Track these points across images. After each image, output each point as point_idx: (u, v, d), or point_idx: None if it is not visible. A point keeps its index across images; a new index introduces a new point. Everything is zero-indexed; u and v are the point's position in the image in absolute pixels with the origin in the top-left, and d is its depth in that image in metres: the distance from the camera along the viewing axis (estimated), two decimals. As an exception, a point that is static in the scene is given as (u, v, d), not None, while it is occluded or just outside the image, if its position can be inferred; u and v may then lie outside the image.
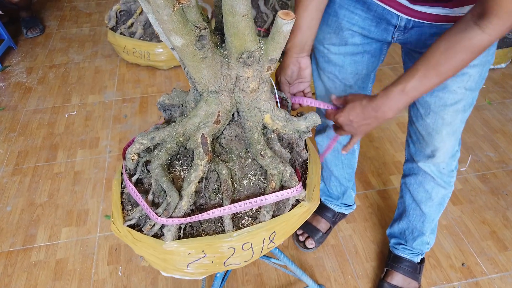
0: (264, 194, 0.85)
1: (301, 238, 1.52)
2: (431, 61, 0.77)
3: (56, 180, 1.78)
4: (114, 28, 2.41)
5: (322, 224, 1.53)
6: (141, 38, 2.33)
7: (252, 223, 0.84)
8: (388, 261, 1.40)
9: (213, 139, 0.84)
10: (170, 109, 0.94)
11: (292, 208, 0.87)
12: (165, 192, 0.80)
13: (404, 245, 1.37)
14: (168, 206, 0.78)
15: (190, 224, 0.83)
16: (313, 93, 1.47)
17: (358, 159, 1.85)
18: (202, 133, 0.78)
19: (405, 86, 0.80)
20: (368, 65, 1.10)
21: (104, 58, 2.56)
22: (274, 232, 0.85)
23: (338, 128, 0.94)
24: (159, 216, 0.79)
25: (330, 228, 1.55)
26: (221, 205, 0.84)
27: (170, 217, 0.79)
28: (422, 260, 1.39)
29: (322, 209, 1.55)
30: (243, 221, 0.84)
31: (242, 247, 0.83)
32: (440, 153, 1.09)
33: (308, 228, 1.53)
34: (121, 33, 2.35)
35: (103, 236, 1.56)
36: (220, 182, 0.83)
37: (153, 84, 2.34)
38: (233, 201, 0.84)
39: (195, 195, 0.81)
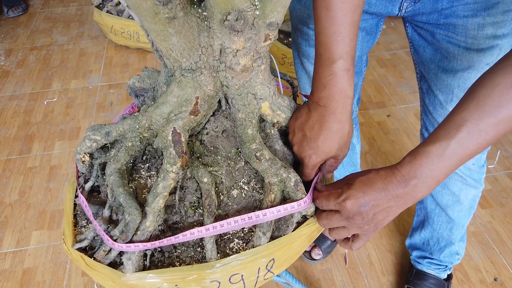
0: (260, 208, 0.64)
1: (307, 248, 1.31)
2: (485, 104, 0.48)
3: (29, 176, 1.58)
4: (100, 6, 2.18)
5: (331, 231, 1.32)
6: (130, 17, 2.10)
7: (243, 247, 0.63)
8: (409, 277, 1.19)
9: (191, 136, 0.62)
10: (143, 94, 0.72)
11: (297, 226, 0.66)
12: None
13: (430, 258, 1.16)
14: (126, 228, 0.57)
15: (159, 249, 0.62)
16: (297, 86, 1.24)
17: (370, 153, 1.65)
18: (174, 128, 0.56)
19: (446, 147, 0.49)
20: (363, 45, 0.89)
21: (91, 40, 2.33)
22: (273, 259, 0.64)
23: (333, 229, 0.61)
24: (115, 240, 0.58)
25: (340, 235, 1.34)
26: (201, 224, 0.63)
27: (130, 241, 0.58)
28: (450, 276, 1.18)
29: (330, 213, 1.34)
30: (231, 245, 0.63)
31: (229, 279, 0.62)
32: None
33: (314, 235, 1.32)
34: (107, 12, 2.12)
35: (78, 242, 1.35)
36: (201, 194, 0.62)
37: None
38: (218, 218, 0.63)
39: (166, 210, 0.60)
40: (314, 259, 1.29)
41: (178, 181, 0.58)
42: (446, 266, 1.16)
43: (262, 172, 0.62)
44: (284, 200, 0.64)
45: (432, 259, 1.16)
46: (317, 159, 0.62)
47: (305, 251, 1.31)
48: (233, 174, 0.64)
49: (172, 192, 0.61)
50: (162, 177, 0.56)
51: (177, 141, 0.56)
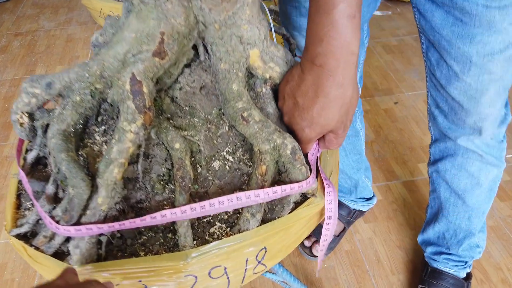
0: (248, 184, 0.51)
1: (307, 243, 1.18)
2: None
3: (4, 165, 1.45)
4: (89, -12, 2.05)
5: (334, 224, 1.19)
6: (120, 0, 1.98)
7: (227, 233, 0.50)
8: (424, 276, 1.05)
9: (159, 91, 0.49)
10: None
11: (295, 207, 0.53)
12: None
13: (447, 253, 1.02)
14: (70, 205, 0.43)
15: (119, 235, 0.49)
16: (294, 43, 1.10)
17: (377, 142, 1.52)
18: (133, 73, 0.43)
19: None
20: (363, 11, 0.75)
21: (79, 26, 2.21)
22: (265, 248, 0.51)
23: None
24: (58, 221, 0.45)
25: (344, 230, 1.20)
26: (172, 203, 0.50)
27: (78, 223, 0.45)
28: (469, 275, 1.04)
29: (334, 205, 1.20)
30: (211, 230, 0.51)
31: (209, 273, 0.50)
32: (488, 122, 0.79)
33: (315, 230, 1.18)
34: (96, -6, 1.99)
35: (53, 236, 1.22)
36: (172, 164, 0.49)
37: (134, 54, 1.98)
38: (194, 196, 0.50)
39: (127, 185, 0.47)
40: (316, 256, 1.16)
41: (140, 146, 0.45)
42: (466, 262, 1.02)
43: (250, 137, 0.49)
44: (279, 173, 0.51)
45: (449, 254, 1.02)
46: (312, 133, 0.49)
47: (305, 247, 1.18)
48: (214, 142, 0.51)
49: (134, 162, 0.48)
50: (117, 139, 0.43)
51: (137, 92, 0.43)
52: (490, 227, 1.24)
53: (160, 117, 0.48)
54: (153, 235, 0.49)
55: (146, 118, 0.44)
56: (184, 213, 0.47)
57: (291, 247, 0.55)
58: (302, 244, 1.18)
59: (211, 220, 0.50)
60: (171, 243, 0.49)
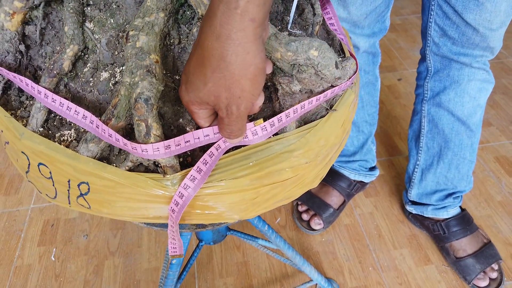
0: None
1: (305, 217, 1.11)
2: None
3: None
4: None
5: (334, 198, 1.12)
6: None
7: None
8: (443, 233, 1.04)
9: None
10: None
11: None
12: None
13: (454, 192, 1.04)
14: None
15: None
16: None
17: (379, 117, 1.45)
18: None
19: None
20: None
21: None
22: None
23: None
24: None
25: (344, 203, 1.14)
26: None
27: None
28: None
29: (333, 177, 1.14)
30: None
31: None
32: (498, 42, 0.83)
33: (314, 202, 1.12)
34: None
35: (37, 208, 1.16)
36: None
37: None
38: (68, 93, 0.44)
39: (26, 41, 0.42)
40: (314, 230, 1.09)
41: (34, 7, 0.41)
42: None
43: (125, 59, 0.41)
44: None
45: (457, 192, 1.03)
46: (185, 95, 0.36)
47: (303, 221, 1.11)
48: (115, 52, 0.45)
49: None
50: None
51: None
52: (499, 202, 1.17)
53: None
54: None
55: None
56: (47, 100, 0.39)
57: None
58: (299, 217, 1.12)
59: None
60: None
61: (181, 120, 0.42)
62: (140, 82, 0.37)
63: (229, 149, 0.41)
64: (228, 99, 0.34)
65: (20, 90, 0.44)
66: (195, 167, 0.37)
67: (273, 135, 0.42)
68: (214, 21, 0.32)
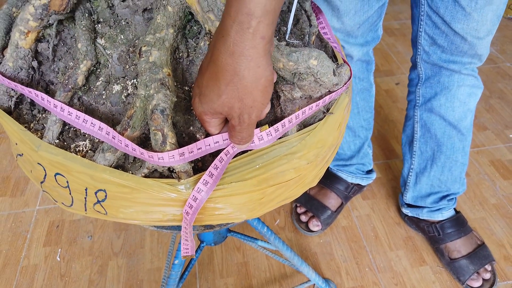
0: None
1: (304, 218, 1.14)
2: None
3: (-4, 141, 1.42)
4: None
5: (331, 200, 1.15)
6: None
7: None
8: (438, 234, 1.07)
9: None
10: None
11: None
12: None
13: (448, 195, 1.06)
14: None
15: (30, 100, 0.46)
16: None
17: (377, 122, 1.48)
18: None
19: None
20: None
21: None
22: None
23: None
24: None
25: (341, 205, 1.17)
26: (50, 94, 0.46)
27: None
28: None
29: (331, 180, 1.17)
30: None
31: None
32: (486, 49, 0.87)
33: (312, 204, 1.15)
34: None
35: (43, 210, 1.19)
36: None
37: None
38: (82, 106, 0.47)
39: (39, 57, 0.45)
40: (312, 231, 1.12)
41: (47, 26, 0.45)
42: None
43: (139, 74, 0.44)
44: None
45: (450, 195, 1.05)
46: (199, 106, 0.40)
47: (301, 222, 1.14)
48: (126, 66, 0.48)
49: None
50: (23, 8, 0.43)
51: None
52: (493, 204, 1.20)
53: (86, 15, 0.45)
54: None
55: (54, 1, 0.42)
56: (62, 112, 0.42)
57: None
58: (298, 219, 1.15)
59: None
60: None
61: (191, 128, 0.45)
62: (155, 94, 0.40)
63: (237, 153, 0.44)
64: (240, 109, 0.38)
65: (32, 104, 0.47)
66: (207, 172, 0.40)
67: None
68: (228, 40, 0.35)
